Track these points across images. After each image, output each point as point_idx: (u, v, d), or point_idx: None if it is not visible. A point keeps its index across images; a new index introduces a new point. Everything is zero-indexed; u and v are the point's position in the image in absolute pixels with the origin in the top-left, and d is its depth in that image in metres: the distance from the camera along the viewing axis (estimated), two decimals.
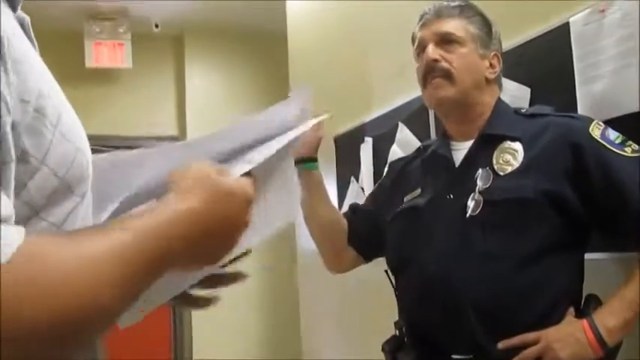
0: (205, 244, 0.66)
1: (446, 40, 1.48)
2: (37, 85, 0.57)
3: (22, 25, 0.68)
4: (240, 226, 0.70)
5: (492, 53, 1.51)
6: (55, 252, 0.53)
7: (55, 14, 4.53)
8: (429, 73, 1.48)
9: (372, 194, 1.84)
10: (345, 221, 1.74)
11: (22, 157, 0.55)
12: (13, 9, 0.66)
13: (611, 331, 1.24)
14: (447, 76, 1.46)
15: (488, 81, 1.50)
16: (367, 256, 1.74)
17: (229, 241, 0.70)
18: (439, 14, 1.51)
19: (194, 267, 0.71)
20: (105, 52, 4.78)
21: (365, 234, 1.71)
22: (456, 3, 1.52)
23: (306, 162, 1.67)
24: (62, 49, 4.80)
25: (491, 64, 1.51)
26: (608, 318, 1.26)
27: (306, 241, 3.56)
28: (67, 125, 0.61)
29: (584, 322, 1.26)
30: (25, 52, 0.58)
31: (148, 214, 0.62)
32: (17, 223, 0.54)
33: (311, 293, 3.55)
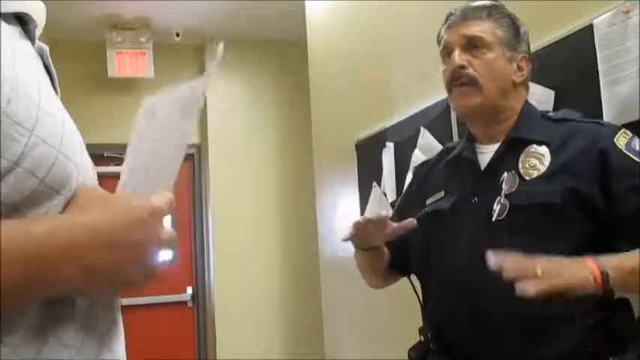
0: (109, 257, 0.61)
1: (472, 45, 1.44)
2: (5, 94, 0.58)
3: (42, 55, 0.72)
4: (147, 241, 0.63)
5: (520, 56, 1.47)
6: None
7: (78, 24, 4.59)
8: (455, 79, 1.45)
9: (399, 205, 1.80)
10: (386, 251, 1.71)
11: None
12: (32, 41, 0.70)
13: (616, 268, 1.16)
14: (474, 83, 1.43)
15: (515, 85, 1.46)
16: (405, 273, 1.71)
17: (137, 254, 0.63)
18: (465, 16, 1.46)
19: (108, 284, 0.66)
20: (127, 62, 4.83)
21: (398, 253, 1.69)
22: (484, 3, 1.48)
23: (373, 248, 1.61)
24: (85, 59, 4.86)
25: (519, 67, 1.47)
26: (613, 260, 1.19)
27: (327, 244, 3.56)
28: (48, 131, 0.62)
29: (587, 257, 1.19)
30: (8, 64, 0.60)
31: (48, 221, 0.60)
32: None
33: (334, 293, 3.54)
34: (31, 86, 0.63)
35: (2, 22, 0.64)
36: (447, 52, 1.49)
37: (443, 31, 1.51)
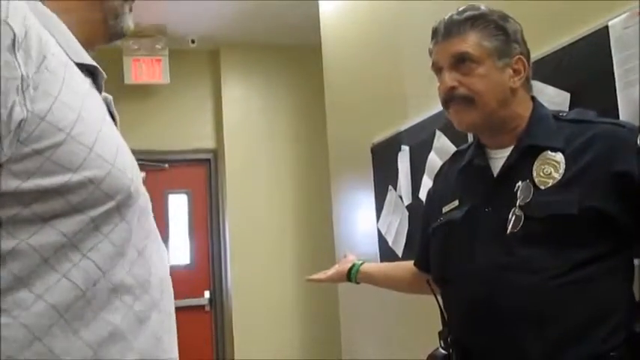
0: None
1: (460, 61, 1.41)
2: (72, 120, 0.73)
3: (107, 103, 0.87)
4: None
5: (515, 58, 1.42)
6: None
7: None
8: (449, 100, 1.44)
9: (423, 216, 1.77)
10: (405, 265, 1.88)
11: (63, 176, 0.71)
12: (99, 90, 0.86)
13: None
14: (468, 101, 1.40)
15: (514, 91, 1.42)
16: (427, 271, 1.69)
17: None
18: (450, 32, 1.43)
19: None
20: (143, 69, 4.87)
21: (422, 251, 1.71)
22: (467, 14, 1.43)
23: (353, 270, 1.98)
24: (102, 66, 4.89)
25: (515, 70, 1.42)
26: None
27: (343, 247, 3.55)
28: (103, 149, 0.76)
29: None
30: (77, 90, 0.76)
31: None
32: (65, 214, 0.72)
33: (351, 296, 3.54)
34: (96, 112, 0.78)
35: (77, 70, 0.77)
36: (436, 69, 1.48)
37: (431, 46, 1.49)
